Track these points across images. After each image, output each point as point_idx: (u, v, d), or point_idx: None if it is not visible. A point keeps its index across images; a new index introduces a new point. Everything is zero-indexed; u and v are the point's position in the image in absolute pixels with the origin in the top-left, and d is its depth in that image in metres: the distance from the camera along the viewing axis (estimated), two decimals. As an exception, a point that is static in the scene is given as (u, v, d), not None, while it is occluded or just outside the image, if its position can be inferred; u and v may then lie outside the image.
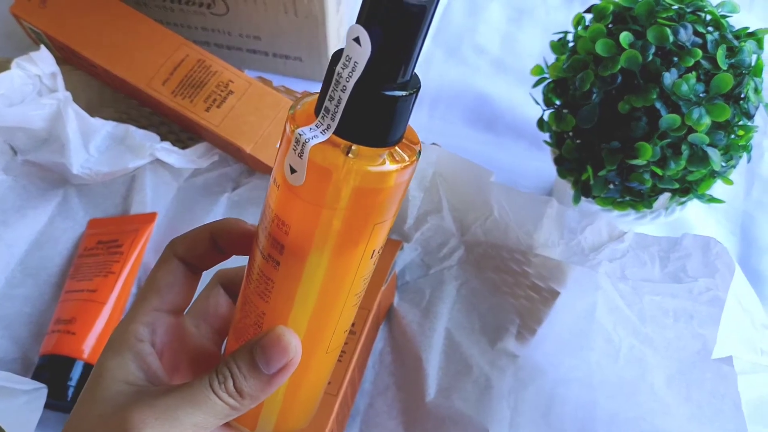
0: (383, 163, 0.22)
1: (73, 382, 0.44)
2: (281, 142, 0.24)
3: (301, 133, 0.22)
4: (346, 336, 0.28)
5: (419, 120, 0.57)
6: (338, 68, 0.21)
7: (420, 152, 0.24)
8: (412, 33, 0.21)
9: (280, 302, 0.26)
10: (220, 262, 0.29)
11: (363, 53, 0.21)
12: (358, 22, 0.21)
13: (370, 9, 0.21)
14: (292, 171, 0.23)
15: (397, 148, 0.23)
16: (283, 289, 0.25)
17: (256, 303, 0.26)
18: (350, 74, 0.21)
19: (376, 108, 0.22)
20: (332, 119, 0.22)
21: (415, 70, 0.23)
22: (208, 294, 0.30)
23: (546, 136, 0.46)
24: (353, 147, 0.22)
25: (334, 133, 0.22)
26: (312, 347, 0.27)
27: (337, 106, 0.22)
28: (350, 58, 0.21)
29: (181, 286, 0.28)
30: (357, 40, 0.21)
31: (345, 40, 0.21)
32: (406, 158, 0.23)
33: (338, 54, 0.22)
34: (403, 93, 0.22)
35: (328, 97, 0.22)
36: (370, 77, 0.21)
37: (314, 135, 0.22)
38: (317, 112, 0.23)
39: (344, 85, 0.21)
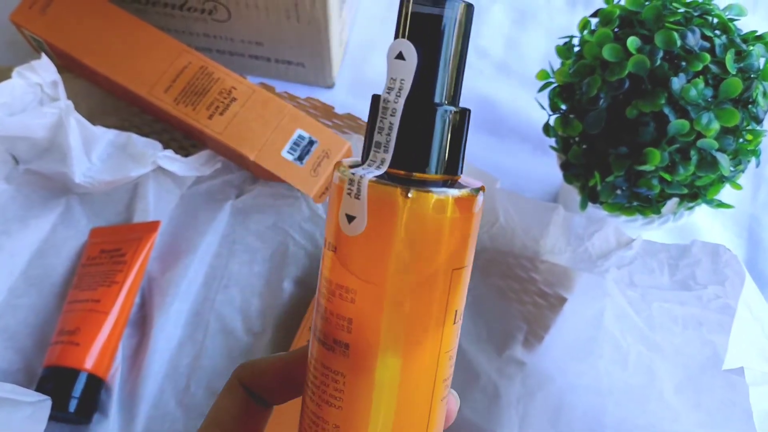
0: (446, 193, 0.20)
1: (76, 394, 0.44)
2: (330, 203, 0.21)
3: (354, 172, 0.20)
4: None
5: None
6: (383, 95, 0.20)
7: (483, 190, 0.22)
8: (456, 43, 0.20)
9: (356, 404, 0.21)
10: (296, 398, 0.25)
11: (409, 67, 0.19)
12: (396, 39, 0.20)
13: (411, 22, 0.20)
14: (350, 220, 0.20)
15: (459, 180, 0.21)
16: (357, 383, 0.21)
17: (322, 414, 0.22)
18: (398, 94, 0.20)
19: (431, 126, 0.20)
20: (386, 151, 0.20)
21: None
22: (225, 398, 0.25)
23: (551, 141, 0.45)
24: (414, 176, 0.20)
25: (390, 167, 0.20)
26: None
27: (389, 135, 0.20)
28: (395, 79, 0.20)
29: (242, 419, 0.24)
30: (400, 55, 0.20)
31: (387, 63, 0.20)
32: (471, 191, 0.21)
33: (376, 96, 0.20)
34: (456, 109, 0.21)
35: (376, 130, 0.20)
36: (421, 91, 0.20)
37: (369, 171, 0.20)
38: (365, 154, 0.21)
39: (393, 109, 0.20)
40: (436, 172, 0.21)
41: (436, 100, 0.20)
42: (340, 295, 0.21)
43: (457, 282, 0.21)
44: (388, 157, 0.20)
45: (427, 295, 0.21)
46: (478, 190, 0.21)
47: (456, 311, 0.22)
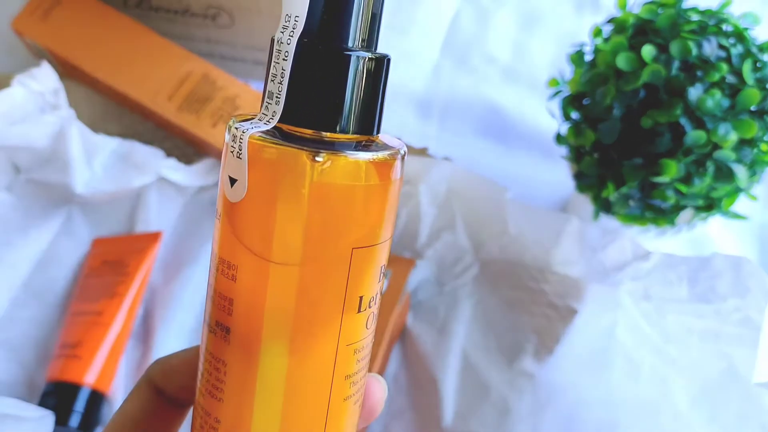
0: (358, 151, 0.17)
1: (79, 408, 0.43)
2: (222, 160, 0.18)
3: (239, 126, 0.17)
4: None
5: (429, 131, 0.56)
6: (276, 35, 0.17)
7: (405, 154, 0.18)
8: None
9: (237, 396, 0.19)
10: None
11: (302, 2, 0.16)
12: None
13: None
14: (232, 183, 0.17)
15: (377, 141, 0.18)
16: (239, 372, 0.18)
17: (206, 405, 0.19)
18: (291, 34, 0.17)
19: (342, 75, 0.17)
20: (277, 102, 0.17)
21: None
22: (132, 400, 0.23)
23: (562, 149, 0.45)
24: (323, 137, 0.17)
25: (284, 121, 0.17)
26: None
27: (281, 83, 0.17)
28: (289, 16, 0.17)
29: (149, 421, 0.22)
30: None
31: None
32: (389, 154, 0.18)
33: (273, 38, 0.18)
34: (371, 54, 0.17)
35: (269, 77, 0.17)
36: (320, 34, 0.16)
37: (255, 126, 0.17)
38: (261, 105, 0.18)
39: (286, 51, 0.17)
40: (349, 132, 0.18)
41: (348, 44, 0.17)
42: (222, 271, 0.18)
43: (364, 263, 0.18)
44: (279, 109, 0.17)
45: (322, 277, 0.17)
46: (397, 152, 0.18)
47: (361, 297, 0.18)
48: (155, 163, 0.48)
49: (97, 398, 0.43)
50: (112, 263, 0.48)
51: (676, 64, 0.37)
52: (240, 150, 0.17)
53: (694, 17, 0.39)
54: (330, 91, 0.17)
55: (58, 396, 0.43)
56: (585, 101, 0.42)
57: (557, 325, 0.45)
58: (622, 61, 0.38)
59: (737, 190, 0.40)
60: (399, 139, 0.20)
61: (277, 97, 0.17)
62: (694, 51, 0.37)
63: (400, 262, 0.46)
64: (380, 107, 0.18)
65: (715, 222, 0.51)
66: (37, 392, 0.45)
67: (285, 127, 0.18)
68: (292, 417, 0.19)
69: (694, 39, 0.37)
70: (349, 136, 0.18)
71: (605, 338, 0.43)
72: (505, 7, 0.63)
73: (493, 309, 0.47)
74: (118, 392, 0.45)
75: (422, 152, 0.50)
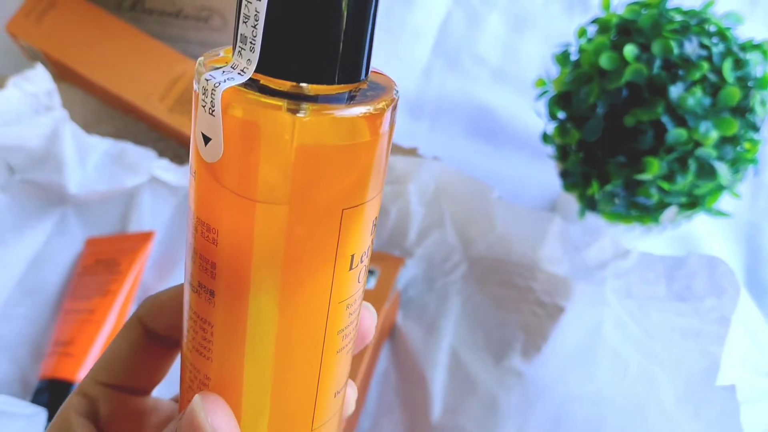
0: (344, 107, 0.15)
1: (72, 406, 0.43)
2: (193, 111, 0.16)
3: (209, 77, 0.15)
4: (339, 403, 0.20)
5: (420, 132, 0.57)
6: None
7: (397, 98, 0.17)
8: None
9: (226, 356, 0.18)
10: None
11: None
12: None
13: None
14: (206, 141, 0.16)
15: (364, 87, 0.17)
16: (226, 334, 0.18)
17: (195, 364, 0.19)
18: None
19: (324, 15, 0.15)
20: (252, 49, 0.15)
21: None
22: (121, 339, 0.22)
23: (549, 149, 0.45)
24: (304, 89, 0.15)
25: (260, 71, 0.15)
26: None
27: (255, 26, 0.15)
28: None
29: (139, 360, 0.22)
30: None
31: None
32: (378, 106, 0.16)
33: None
34: None
35: (241, 18, 0.15)
36: None
37: (228, 78, 0.15)
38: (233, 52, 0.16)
39: None
40: (334, 81, 0.16)
41: None
42: (202, 234, 0.17)
43: (354, 222, 0.17)
44: (255, 57, 0.15)
45: (311, 236, 0.16)
46: (389, 100, 0.16)
47: (353, 256, 0.17)
48: (148, 164, 0.49)
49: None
50: (105, 262, 0.48)
51: (657, 63, 0.38)
52: (213, 106, 0.15)
53: (677, 17, 0.39)
54: (312, 33, 0.15)
55: (50, 393, 0.43)
56: (571, 100, 0.42)
57: (545, 323, 0.46)
58: (604, 61, 0.38)
59: (720, 188, 0.40)
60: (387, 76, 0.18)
61: (251, 42, 0.15)
62: (676, 50, 0.37)
63: (389, 260, 0.47)
64: (369, 47, 0.16)
65: (702, 220, 0.51)
66: (29, 389, 0.45)
67: (262, 78, 0.15)
68: (284, 374, 0.18)
69: (676, 38, 0.38)
70: (335, 86, 0.16)
71: (592, 336, 0.44)
72: (495, 9, 0.63)
73: (482, 306, 0.47)
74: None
75: (412, 152, 0.50)
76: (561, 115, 0.43)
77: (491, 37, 0.62)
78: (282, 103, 0.15)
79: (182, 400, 0.20)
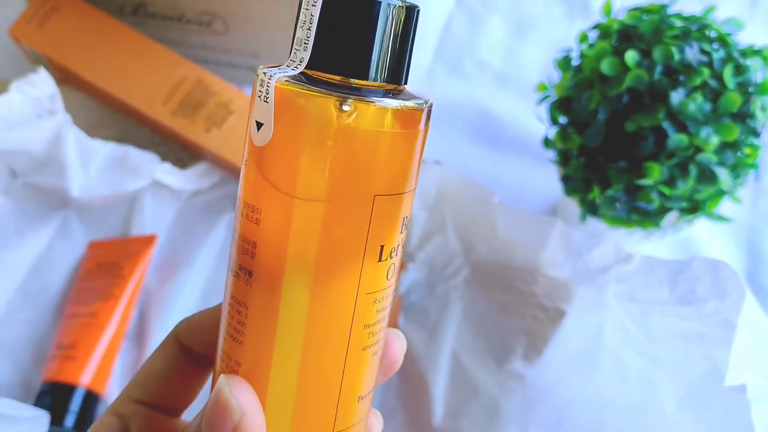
0: (385, 99, 0.17)
1: (74, 409, 0.43)
2: (250, 104, 0.19)
3: (266, 71, 0.17)
4: (365, 404, 0.21)
5: (421, 136, 0.57)
6: None
7: (431, 107, 0.19)
8: None
9: (257, 337, 0.19)
10: None
11: None
12: None
13: None
14: (259, 127, 0.18)
15: (404, 91, 0.19)
16: (260, 314, 0.19)
17: (228, 350, 0.20)
18: None
19: (371, 22, 0.17)
20: (305, 48, 0.17)
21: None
22: (157, 356, 0.23)
23: (550, 153, 0.45)
24: (351, 83, 0.17)
25: (313, 68, 0.17)
26: (309, 428, 0.19)
27: (309, 29, 0.17)
28: None
29: (173, 378, 0.22)
30: None
31: None
32: (417, 103, 0.18)
33: None
34: (401, 3, 0.18)
35: (298, 24, 0.17)
36: None
37: (282, 71, 0.17)
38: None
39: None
40: (377, 80, 0.18)
41: None
42: (247, 215, 0.18)
43: (386, 211, 0.18)
44: (307, 55, 0.17)
45: (344, 220, 0.18)
46: (424, 103, 0.19)
47: (382, 246, 0.18)
48: (150, 168, 0.49)
49: (91, 399, 0.44)
50: (107, 266, 0.49)
51: (658, 68, 0.38)
52: (267, 94, 0.17)
53: (678, 23, 0.40)
54: (358, 37, 0.17)
55: (53, 396, 0.43)
56: (572, 105, 0.42)
57: (546, 327, 0.46)
58: (606, 67, 0.39)
59: (720, 193, 0.40)
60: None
61: (305, 43, 0.17)
62: (677, 56, 0.38)
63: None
64: (408, 57, 0.19)
65: (703, 224, 0.52)
66: (32, 393, 0.45)
67: (312, 72, 0.18)
68: (311, 360, 0.19)
69: (677, 44, 0.38)
70: (377, 83, 0.18)
71: (593, 339, 0.44)
72: (497, 12, 0.63)
73: (483, 311, 0.47)
74: (112, 393, 0.45)
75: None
76: (562, 120, 0.43)
77: (493, 42, 0.62)
78: (329, 92, 0.17)
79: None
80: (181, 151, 0.54)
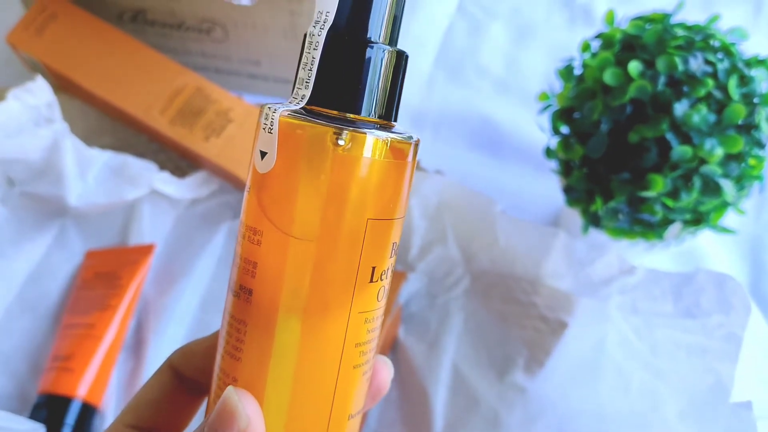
0: (378, 131, 0.19)
1: (70, 422, 0.43)
2: (255, 137, 0.21)
3: (271, 105, 0.19)
4: (355, 424, 0.22)
5: (422, 144, 0.56)
6: (309, 29, 0.19)
7: (418, 142, 0.21)
8: None
9: (255, 353, 0.20)
10: None
11: (333, 0, 0.19)
12: None
13: None
14: (263, 156, 0.19)
15: (393, 127, 0.21)
16: (258, 330, 0.20)
17: (225, 367, 0.21)
18: (322, 27, 0.19)
19: (365, 64, 0.19)
20: (306, 87, 0.19)
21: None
22: (151, 383, 0.24)
23: (552, 163, 0.45)
24: (347, 117, 0.19)
25: (313, 104, 0.19)
26: None
27: (310, 70, 0.19)
28: (321, 12, 0.19)
29: (167, 404, 0.23)
30: None
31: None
32: (406, 137, 0.20)
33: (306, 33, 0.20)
34: (392, 48, 0.20)
35: (300, 66, 0.19)
36: (348, 28, 0.19)
37: (285, 106, 0.20)
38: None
39: (316, 42, 0.19)
40: (370, 115, 0.20)
41: (371, 38, 0.20)
42: (249, 237, 0.20)
43: (377, 235, 0.20)
44: (308, 93, 0.19)
45: (337, 244, 0.19)
46: (411, 138, 0.21)
47: (374, 268, 0.20)
48: (148, 176, 0.48)
49: (88, 411, 0.44)
50: (104, 275, 0.48)
51: (662, 79, 0.37)
52: (271, 125, 0.19)
53: (681, 33, 0.39)
54: (354, 77, 0.19)
55: (49, 408, 0.43)
56: (575, 115, 0.42)
57: (548, 338, 0.45)
58: (609, 77, 0.38)
59: (725, 205, 0.40)
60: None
61: (306, 82, 0.19)
62: (681, 66, 0.37)
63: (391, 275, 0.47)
64: (398, 97, 0.21)
65: (707, 236, 0.51)
66: (28, 405, 0.45)
67: (312, 108, 0.20)
68: (304, 378, 0.20)
69: (681, 54, 0.37)
70: (370, 118, 0.20)
71: (595, 351, 0.43)
72: (498, 20, 0.63)
73: (484, 322, 0.47)
74: (109, 405, 0.45)
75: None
76: (564, 130, 0.43)
77: (494, 49, 0.62)
78: (327, 124, 0.19)
79: (209, 410, 0.22)
80: (179, 160, 0.53)
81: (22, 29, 0.49)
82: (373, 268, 0.20)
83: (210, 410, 0.22)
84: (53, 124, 0.48)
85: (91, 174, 0.48)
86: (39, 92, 0.48)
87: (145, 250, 0.49)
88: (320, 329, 0.20)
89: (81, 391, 0.43)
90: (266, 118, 0.19)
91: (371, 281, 0.20)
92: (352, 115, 0.20)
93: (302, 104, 0.19)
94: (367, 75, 0.20)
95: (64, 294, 0.49)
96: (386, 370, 0.23)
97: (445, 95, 0.60)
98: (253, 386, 0.20)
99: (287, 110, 0.19)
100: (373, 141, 0.19)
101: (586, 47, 0.43)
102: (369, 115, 0.20)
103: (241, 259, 0.20)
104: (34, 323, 0.48)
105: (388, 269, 0.21)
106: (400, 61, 0.20)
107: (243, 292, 0.20)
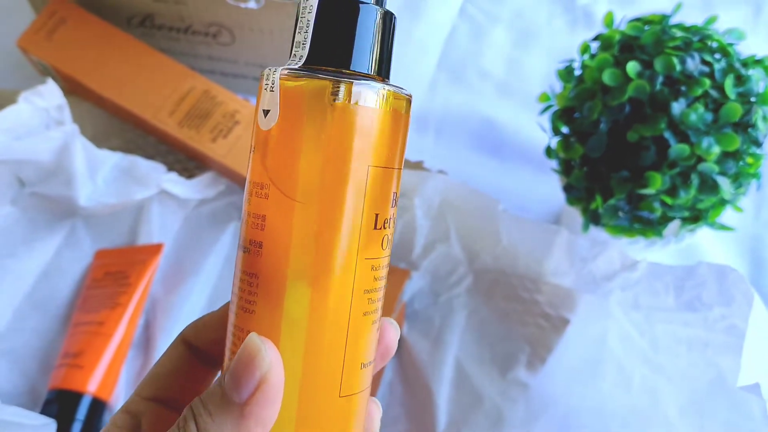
0: (374, 83, 0.20)
1: (80, 417, 0.44)
2: (257, 99, 0.22)
3: (271, 67, 0.21)
4: (367, 374, 0.22)
5: (425, 145, 0.57)
6: None
7: (411, 98, 0.22)
8: None
9: (267, 304, 0.21)
10: None
11: None
12: None
13: None
14: (266, 114, 0.21)
15: (386, 80, 0.22)
16: (269, 281, 0.21)
17: (239, 323, 0.21)
18: None
19: (359, 21, 0.21)
20: (303, 48, 0.20)
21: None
22: (165, 357, 0.24)
23: (553, 163, 0.46)
24: (345, 72, 0.20)
25: (311, 63, 0.20)
26: (316, 391, 0.21)
27: (306, 32, 0.20)
28: None
29: (181, 376, 0.23)
30: None
31: None
32: (399, 90, 0.21)
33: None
34: (381, 9, 0.21)
35: (296, 30, 0.21)
36: None
37: (284, 67, 0.21)
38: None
39: (310, 6, 0.20)
40: (366, 71, 0.21)
41: None
42: (256, 193, 0.21)
43: (378, 182, 0.21)
44: (305, 53, 0.20)
45: (341, 192, 0.20)
46: (404, 90, 0.22)
47: (377, 215, 0.21)
48: (157, 177, 0.49)
49: (98, 406, 0.44)
50: (114, 274, 0.49)
51: (660, 79, 0.38)
52: (273, 84, 0.20)
53: (679, 34, 0.40)
54: (348, 34, 0.21)
55: (60, 404, 0.44)
56: (575, 115, 0.43)
57: (550, 335, 0.46)
58: (607, 77, 0.39)
59: (722, 202, 0.40)
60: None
61: (303, 44, 0.20)
62: (678, 66, 0.38)
63: (395, 273, 0.47)
64: (389, 54, 0.22)
65: (706, 234, 0.52)
66: (39, 401, 0.46)
67: (310, 66, 0.21)
68: (317, 325, 0.20)
69: (678, 55, 0.38)
70: (365, 73, 0.21)
71: (597, 348, 0.44)
72: (500, 23, 0.64)
73: (487, 319, 0.48)
74: (119, 401, 0.46)
75: (418, 165, 0.51)
76: (565, 129, 0.44)
77: (496, 52, 0.63)
78: (326, 77, 0.20)
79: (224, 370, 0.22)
80: (187, 161, 0.54)
81: (33, 33, 0.50)
82: (377, 215, 0.21)
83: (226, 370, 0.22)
84: (63, 126, 0.48)
85: (101, 175, 0.49)
86: (49, 95, 0.49)
87: (154, 250, 0.49)
88: (330, 275, 0.20)
89: (91, 386, 0.44)
90: (267, 78, 0.20)
91: (375, 228, 0.21)
92: (348, 71, 0.21)
93: (300, 63, 0.20)
94: (361, 32, 0.21)
95: (75, 293, 0.50)
96: (393, 330, 0.23)
97: (448, 97, 0.60)
98: (268, 337, 0.20)
99: (287, 69, 0.20)
100: (370, 92, 0.20)
101: (585, 48, 0.44)
102: (364, 71, 0.21)
103: (250, 215, 0.21)
104: (45, 321, 0.49)
105: (390, 218, 0.21)
106: (390, 19, 0.21)
107: (253, 246, 0.21)
